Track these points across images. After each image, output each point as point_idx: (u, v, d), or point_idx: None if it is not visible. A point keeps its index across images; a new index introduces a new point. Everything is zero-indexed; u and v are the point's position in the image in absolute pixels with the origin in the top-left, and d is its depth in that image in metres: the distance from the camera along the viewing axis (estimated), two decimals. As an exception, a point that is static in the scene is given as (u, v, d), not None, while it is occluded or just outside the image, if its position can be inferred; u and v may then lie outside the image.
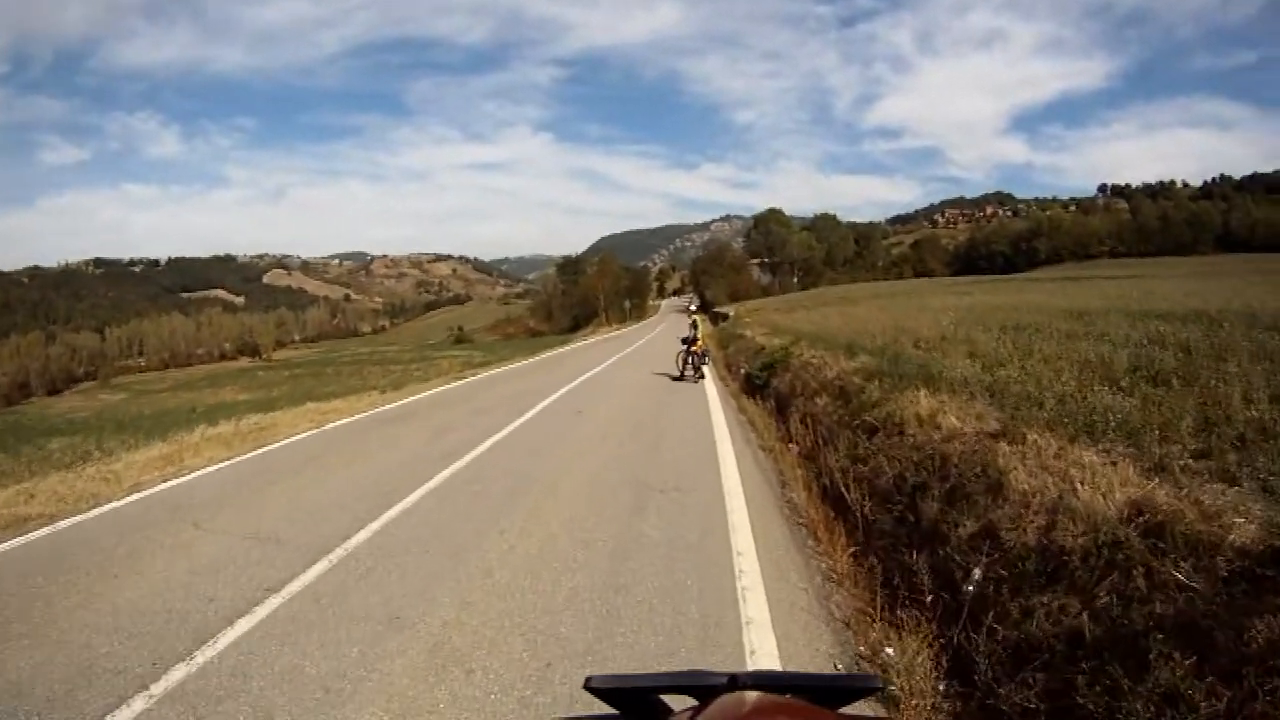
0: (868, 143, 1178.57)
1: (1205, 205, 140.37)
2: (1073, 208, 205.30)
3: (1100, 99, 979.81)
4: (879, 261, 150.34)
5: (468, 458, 9.66)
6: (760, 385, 15.50)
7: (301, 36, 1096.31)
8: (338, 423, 13.95)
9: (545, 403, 15.26)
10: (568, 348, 42.99)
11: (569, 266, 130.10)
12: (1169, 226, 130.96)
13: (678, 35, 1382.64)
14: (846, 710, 1.09)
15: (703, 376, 18.51)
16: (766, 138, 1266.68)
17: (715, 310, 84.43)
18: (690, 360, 18.72)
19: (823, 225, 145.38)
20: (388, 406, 16.17)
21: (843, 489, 7.09)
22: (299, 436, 12.54)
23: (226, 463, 10.47)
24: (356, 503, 7.66)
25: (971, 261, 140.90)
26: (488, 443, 10.70)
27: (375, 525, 6.89)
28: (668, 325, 70.82)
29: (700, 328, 19.26)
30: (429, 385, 21.52)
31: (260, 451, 11.28)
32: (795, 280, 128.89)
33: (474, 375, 24.77)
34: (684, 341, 19.09)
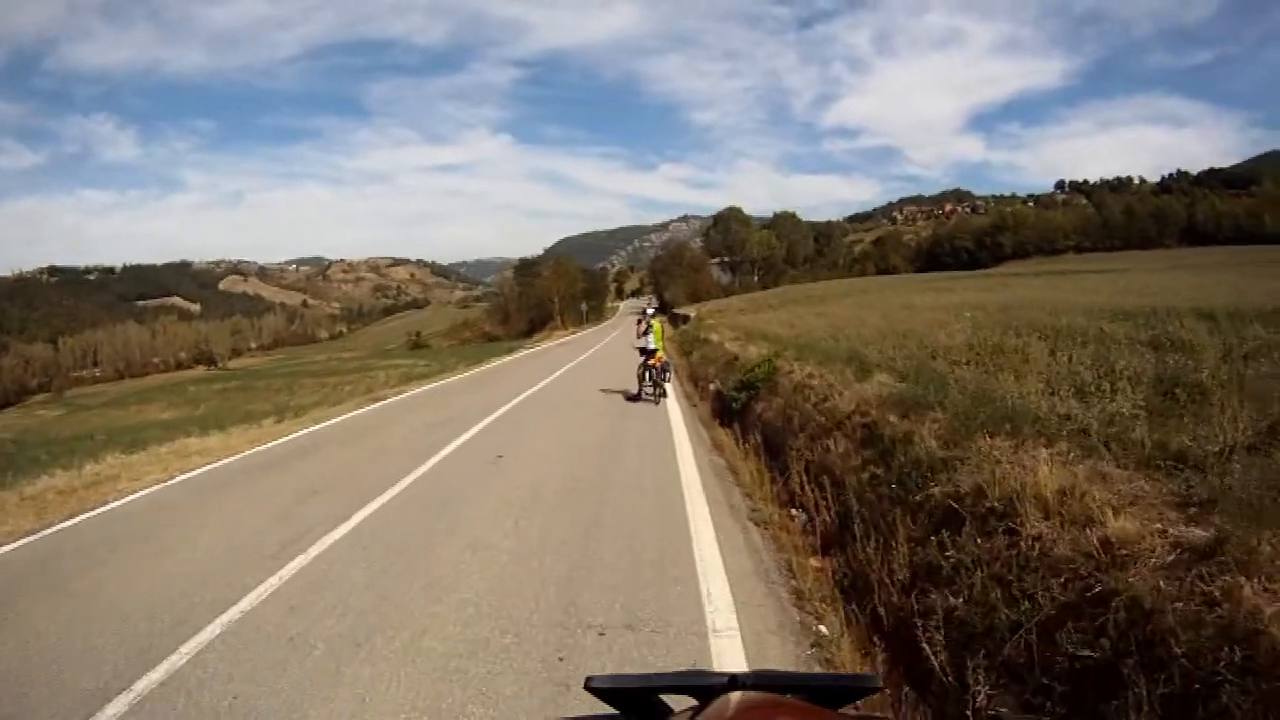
0: (827, 142, 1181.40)
1: (1168, 199, 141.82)
2: (1032, 204, 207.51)
3: (1057, 97, 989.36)
4: (840, 259, 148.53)
5: (313, 552, 6.39)
6: (738, 410, 12.44)
7: (260, 37, 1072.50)
8: (195, 472, 10.74)
9: (465, 437, 12.02)
10: (516, 355, 39.60)
11: (526, 268, 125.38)
12: (1133, 221, 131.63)
13: (637, 35, 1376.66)
14: (846, 710, 1.10)
15: (664, 394, 15.52)
16: (726, 137, 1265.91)
17: (675, 311, 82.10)
18: (649, 375, 15.67)
19: (783, 223, 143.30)
20: (271, 444, 12.83)
21: (922, 641, 4.04)
22: (131, 497, 9.41)
23: (14, 545, 7.53)
24: (115, 647, 4.66)
25: (935, 258, 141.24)
26: (353, 521, 7.38)
27: None
28: (624, 329, 68.26)
29: (658, 334, 16.09)
30: (341, 409, 18.25)
31: (67, 525, 8.26)
32: (755, 279, 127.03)
33: (401, 393, 21.44)
34: (641, 352, 16.02)
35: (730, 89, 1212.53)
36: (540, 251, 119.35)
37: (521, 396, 17.39)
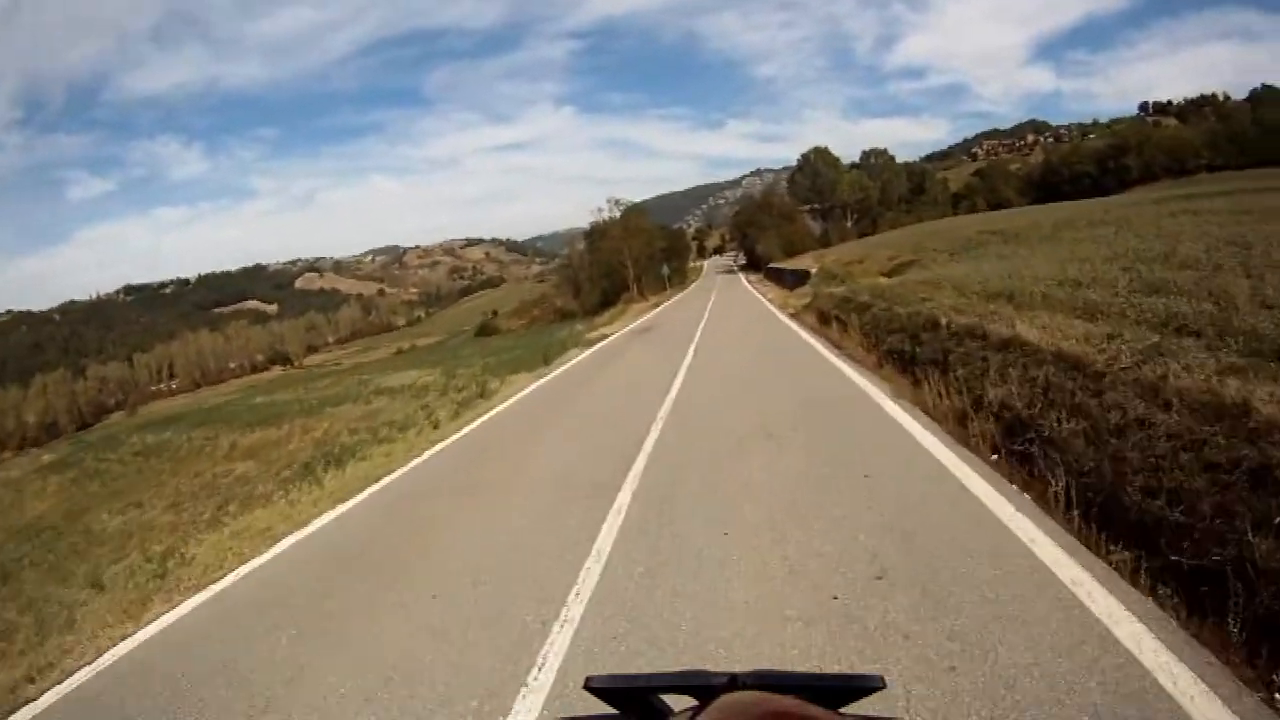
0: (892, 84, 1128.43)
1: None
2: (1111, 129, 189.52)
3: (1124, 19, 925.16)
4: (938, 197, 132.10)
5: None
6: None
7: (312, 43, 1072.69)
8: None
9: None
10: (557, 369, 23.96)
11: (596, 232, 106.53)
12: (1266, 135, 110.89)
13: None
14: (847, 710, 1.09)
15: None
16: (789, 89, 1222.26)
17: (772, 266, 67.44)
18: None
19: (874, 163, 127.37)
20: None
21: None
22: None
23: None
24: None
25: (1051, 186, 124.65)
26: None
27: None
28: (721, 294, 52.71)
29: None
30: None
31: None
32: (850, 225, 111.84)
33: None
34: None
35: (789, 39, 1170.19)
36: (616, 215, 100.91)
37: None
